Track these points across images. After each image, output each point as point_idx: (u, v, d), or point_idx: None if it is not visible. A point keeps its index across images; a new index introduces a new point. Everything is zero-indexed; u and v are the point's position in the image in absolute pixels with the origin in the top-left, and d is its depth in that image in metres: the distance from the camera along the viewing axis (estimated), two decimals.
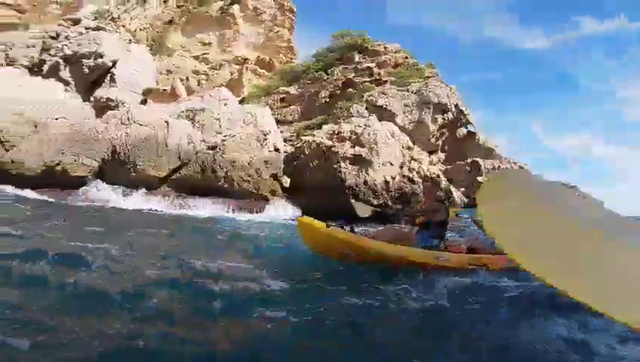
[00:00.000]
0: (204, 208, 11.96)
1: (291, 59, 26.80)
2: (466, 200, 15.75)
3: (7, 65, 15.02)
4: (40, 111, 11.63)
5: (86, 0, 25.76)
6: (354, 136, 13.58)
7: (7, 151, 10.99)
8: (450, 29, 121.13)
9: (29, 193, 10.36)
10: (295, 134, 18.15)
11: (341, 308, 3.51)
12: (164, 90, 23.83)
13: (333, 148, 13.26)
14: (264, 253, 5.78)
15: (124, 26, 25.14)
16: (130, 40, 16.95)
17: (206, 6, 25.44)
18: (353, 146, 13.41)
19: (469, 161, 18.33)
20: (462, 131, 19.39)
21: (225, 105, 15.70)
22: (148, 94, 16.64)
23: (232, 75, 25.59)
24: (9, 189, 10.19)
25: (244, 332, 2.95)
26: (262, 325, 2.94)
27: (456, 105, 18.29)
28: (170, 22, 25.83)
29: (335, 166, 13.00)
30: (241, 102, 23.88)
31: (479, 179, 16.89)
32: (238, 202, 12.62)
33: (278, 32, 26.44)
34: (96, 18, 24.92)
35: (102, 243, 4.88)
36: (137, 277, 3.82)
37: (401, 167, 14.09)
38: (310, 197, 12.92)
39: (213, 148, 13.88)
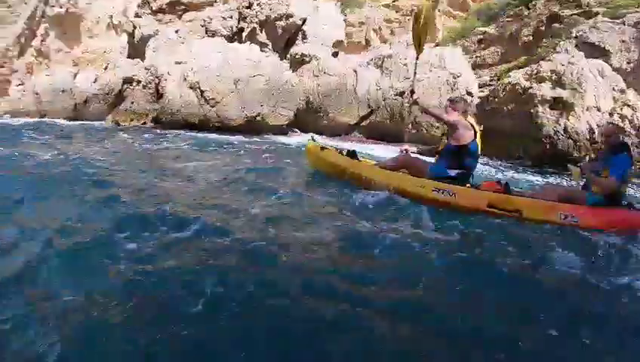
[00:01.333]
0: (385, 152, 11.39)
1: None
2: None
3: (209, 37, 16.93)
4: (239, 71, 12.78)
5: None
6: (555, 76, 11.43)
7: (212, 107, 12.46)
8: None
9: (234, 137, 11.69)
10: (496, 78, 16.61)
11: None
12: (359, 42, 24.17)
13: (530, 90, 11.41)
14: None
15: None
16: None
17: None
18: (553, 87, 11.35)
19: None
20: None
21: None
22: (338, 46, 16.97)
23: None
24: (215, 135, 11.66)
25: None
26: None
27: None
28: None
29: (532, 111, 11.22)
30: (436, 46, 22.76)
31: None
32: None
33: None
34: None
35: None
36: None
37: (611, 115, 11.35)
38: (500, 146, 11.22)
39: (401, 94, 13.58)
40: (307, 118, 14.05)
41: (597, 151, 8.94)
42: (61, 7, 31.47)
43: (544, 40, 16.55)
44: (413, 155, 5.32)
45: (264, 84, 12.84)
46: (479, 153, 4.89)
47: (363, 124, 14.32)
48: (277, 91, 13.16)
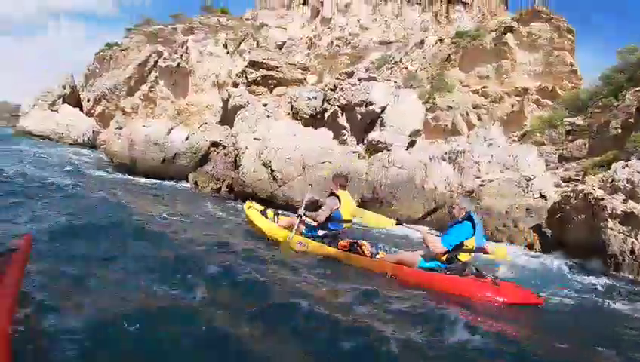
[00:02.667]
0: None
1: (576, 85, 24.21)
2: None
3: (293, 114, 18.22)
4: (309, 156, 13.70)
5: (371, 48, 29.03)
6: (629, 186, 10.40)
7: (279, 186, 13.38)
8: None
9: None
10: (582, 173, 16.24)
11: None
12: (445, 125, 24.63)
13: (601, 202, 10.32)
14: None
15: (406, 68, 27.26)
16: (398, 86, 18.22)
17: (479, 39, 25.35)
18: (626, 200, 10.21)
19: None
20: None
21: (489, 145, 15.20)
22: (415, 135, 17.45)
23: (512, 107, 24.71)
24: None
25: None
26: None
27: None
28: (447, 59, 26.68)
29: (602, 224, 10.08)
30: (523, 136, 22.64)
31: None
32: None
33: (557, 56, 24.32)
34: (379, 67, 27.75)
35: None
36: None
37: None
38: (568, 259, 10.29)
39: (470, 193, 13.53)
40: (371, 208, 14.23)
41: None
42: (173, 61, 35.46)
43: (633, 133, 16.04)
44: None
45: (331, 170, 13.54)
46: (344, 219, 6.57)
47: (427, 219, 14.25)
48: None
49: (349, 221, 6.73)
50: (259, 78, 21.08)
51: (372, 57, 29.12)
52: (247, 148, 14.51)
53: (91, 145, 32.82)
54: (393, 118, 16.62)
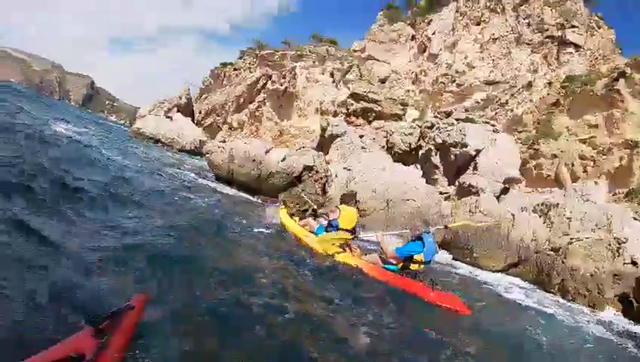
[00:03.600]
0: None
1: None
2: None
3: (388, 148, 18.68)
4: (394, 192, 14.00)
5: (476, 87, 28.80)
6: None
7: (361, 216, 13.67)
8: None
9: None
10: None
11: None
12: (548, 175, 23.72)
13: None
14: None
15: (511, 110, 26.72)
16: (495, 130, 18.04)
17: (590, 85, 24.13)
18: None
19: None
20: None
21: (586, 201, 14.60)
22: (510, 182, 17.13)
23: (620, 160, 23.24)
24: None
25: None
26: None
27: None
28: (555, 103, 25.70)
29: None
30: (629, 193, 21.27)
31: None
32: None
33: None
34: (483, 107, 27.45)
35: None
36: None
37: None
38: None
39: (556, 250, 12.97)
40: (452, 251, 14.19)
41: None
42: (281, 85, 37.45)
43: None
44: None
45: (414, 208, 13.79)
46: (340, 227, 8.26)
47: (509, 272, 13.76)
48: (424, 218, 13.65)
49: (347, 229, 8.34)
50: (359, 110, 21.88)
51: (477, 97, 28.85)
52: (336, 176, 15.23)
53: (196, 153, 35.43)
54: (488, 162, 16.54)
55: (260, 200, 16.34)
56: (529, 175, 22.19)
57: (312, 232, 8.91)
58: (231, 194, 16.70)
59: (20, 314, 3.19)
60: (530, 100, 26.54)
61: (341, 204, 8.99)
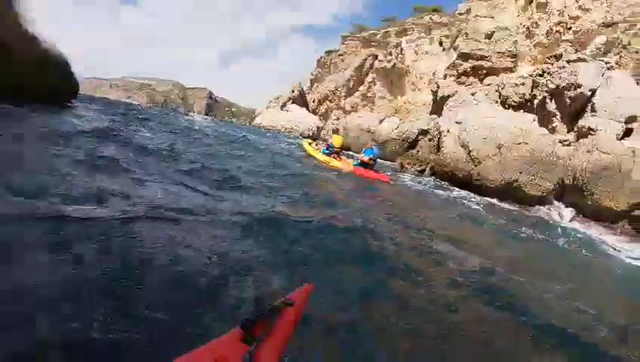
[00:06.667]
0: None
1: None
2: None
3: (501, 102, 19.35)
4: (505, 137, 14.70)
5: (595, 31, 27.66)
6: None
7: (475, 166, 14.73)
8: None
9: (495, 201, 13.96)
10: None
11: None
12: None
13: None
14: None
15: (637, 52, 25.39)
16: (610, 67, 17.72)
17: None
18: None
19: None
20: None
21: None
22: (631, 122, 16.78)
23: None
24: (476, 197, 13.90)
25: None
26: None
27: None
28: None
29: None
30: None
31: None
32: None
33: None
34: (605, 52, 26.44)
35: None
36: None
37: None
38: None
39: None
40: (572, 194, 14.39)
41: None
42: (389, 62, 38.85)
43: None
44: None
45: (527, 152, 14.33)
46: (334, 147, 15.51)
47: (634, 213, 13.19)
48: (540, 162, 14.33)
49: (340, 148, 15.50)
50: (468, 69, 22.60)
51: (597, 42, 27.83)
52: (448, 131, 16.48)
53: (315, 137, 38.27)
54: (605, 102, 16.22)
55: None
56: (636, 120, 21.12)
57: (320, 151, 16.04)
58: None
59: (162, 306, 2.96)
60: None
61: (333, 134, 15.51)
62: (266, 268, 3.91)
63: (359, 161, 14.54)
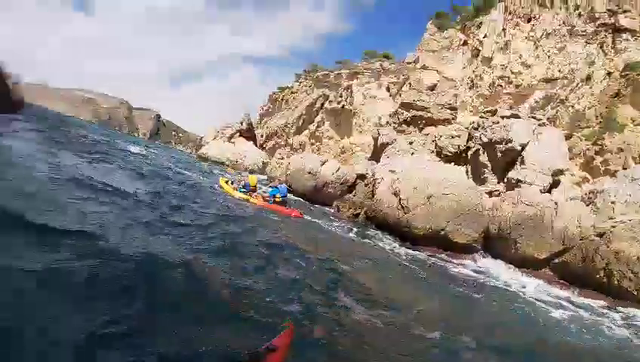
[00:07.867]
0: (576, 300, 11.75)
1: None
2: None
3: (437, 152, 20.22)
4: (435, 188, 15.34)
5: (535, 86, 29.39)
6: None
7: (405, 214, 15.29)
8: None
9: (418, 248, 14.52)
10: None
11: None
12: (615, 170, 23.73)
13: None
14: None
15: (572, 106, 27.09)
16: (542, 123, 18.97)
17: None
18: None
19: None
20: None
21: (631, 181, 14.79)
22: (558, 175, 17.67)
23: None
24: (397, 242, 14.79)
25: None
26: None
27: None
28: (617, 94, 25.67)
29: None
30: None
31: None
32: (615, 302, 11.77)
33: None
34: (543, 106, 28.09)
35: None
36: None
37: None
38: None
39: (600, 235, 13.35)
40: (495, 243, 15.16)
41: None
42: (338, 104, 39.79)
43: None
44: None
45: (454, 203, 15.06)
46: (250, 185, 18.53)
47: (554, 261, 14.18)
48: (466, 212, 15.03)
49: (252, 186, 18.37)
50: (409, 118, 23.51)
51: (536, 96, 29.46)
52: (382, 178, 17.04)
53: (260, 172, 38.44)
54: (534, 157, 17.30)
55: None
56: (596, 172, 22.40)
57: (237, 190, 18.26)
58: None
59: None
60: (591, 94, 26.64)
61: (249, 174, 19.54)
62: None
63: (272, 200, 17.18)
